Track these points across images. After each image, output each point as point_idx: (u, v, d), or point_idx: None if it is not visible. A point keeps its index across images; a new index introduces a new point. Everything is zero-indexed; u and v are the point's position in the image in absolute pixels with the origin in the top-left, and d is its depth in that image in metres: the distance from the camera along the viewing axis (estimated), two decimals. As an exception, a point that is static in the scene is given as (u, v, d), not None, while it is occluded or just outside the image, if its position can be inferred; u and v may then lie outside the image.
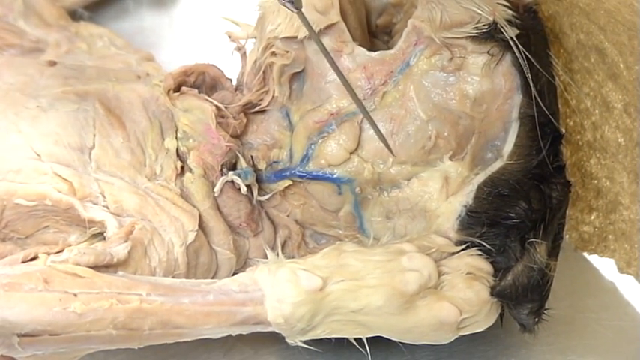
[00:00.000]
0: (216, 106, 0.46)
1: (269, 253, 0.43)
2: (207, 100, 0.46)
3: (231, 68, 0.49)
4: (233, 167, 0.46)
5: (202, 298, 0.39)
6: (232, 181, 0.45)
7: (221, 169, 0.45)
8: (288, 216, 0.47)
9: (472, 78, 0.43)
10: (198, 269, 0.44)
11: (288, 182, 0.46)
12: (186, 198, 0.44)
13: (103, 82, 0.46)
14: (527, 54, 0.42)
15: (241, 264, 0.47)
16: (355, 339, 0.41)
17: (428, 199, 0.44)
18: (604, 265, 0.52)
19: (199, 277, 0.44)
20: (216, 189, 0.45)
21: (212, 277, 0.45)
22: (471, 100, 0.44)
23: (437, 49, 0.44)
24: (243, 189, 0.45)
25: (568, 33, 0.47)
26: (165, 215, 0.43)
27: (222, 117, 0.46)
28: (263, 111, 0.48)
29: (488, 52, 0.43)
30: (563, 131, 0.46)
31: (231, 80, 0.49)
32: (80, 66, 0.48)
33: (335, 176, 0.45)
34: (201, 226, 0.44)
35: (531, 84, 0.43)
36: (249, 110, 0.48)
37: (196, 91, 0.47)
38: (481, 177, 0.43)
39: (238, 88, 0.48)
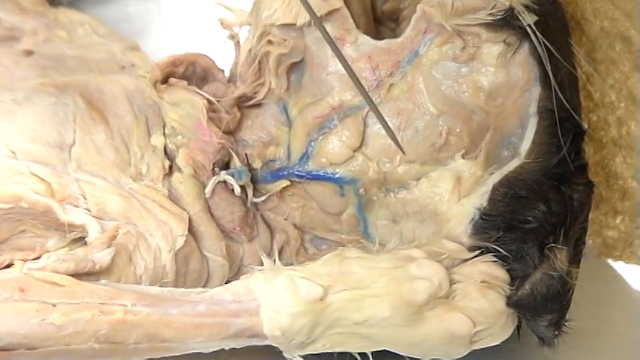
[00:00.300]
0: (208, 100, 0.46)
1: (265, 259, 0.42)
2: (197, 92, 0.46)
3: (224, 58, 0.49)
4: (226, 166, 0.46)
5: (192, 309, 0.39)
6: (225, 182, 0.45)
7: (213, 169, 0.45)
8: (285, 219, 0.47)
9: (486, 69, 0.43)
10: (188, 277, 0.44)
11: (285, 182, 0.46)
12: (174, 200, 0.44)
13: (84, 74, 0.46)
14: (547, 43, 0.42)
15: (235, 271, 0.46)
16: (359, 353, 0.41)
17: (438, 201, 0.44)
18: (630, 273, 0.53)
19: (189, 286, 0.44)
20: (208, 190, 0.45)
21: (203, 286, 0.45)
22: (485, 93, 0.43)
23: (448, 37, 0.43)
24: (237, 190, 0.45)
25: (591, 20, 0.47)
26: (152, 219, 0.43)
27: (214, 111, 0.46)
28: (258, 105, 0.48)
29: (504, 41, 0.43)
30: (586, 127, 0.45)
31: (223, 71, 0.49)
32: (59, 56, 0.48)
33: (337, 176, 0.45)
34: (191, 230, 0.44)
35: (551, 75, 0.42)
36: (244, 104, 0.48)
37: (186, 83, 0.47)
38: (496, 177, 0.43)
39: (231, 79, 0.48)
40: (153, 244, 0.43)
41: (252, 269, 0.44)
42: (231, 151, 0.46)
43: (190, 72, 0.48)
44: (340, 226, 0.46)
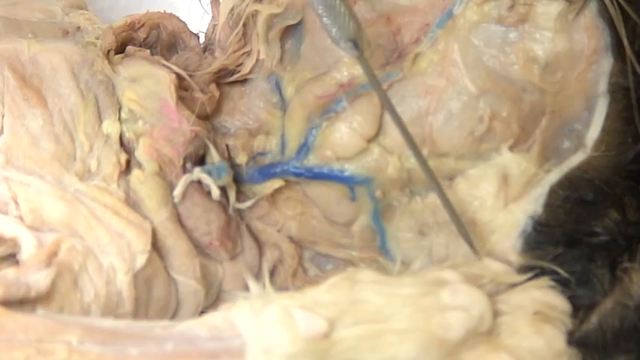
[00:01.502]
0: (177, 74, 0.46)
1: (252, 283, 0.42)
2: (163, 65, 0.46)
3: (199, 20, 0.49)
4: (201, 161, 0.46)
5: (157, 348, 0.39)
6: (199, 182, 0.46)
7: (183, 164, 0.46)
8: (279, 231, 0.48)
9: (542, 34, 0.43)
10: (152, 307, 0.45)
11: (279, 183, 0.47)
12: (133, 205, 0.45)
13: (14, 40, 0.46)
14: (620, 0, 0.42)
15: (212, 299, 0.47)
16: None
17: (479, 207, 0.44)
18: None
19: (153, 317, 0.44)
20: (177, 192, 0.45)
21: (171, 318, 0.45)
22: (540, 65, 0.43)
23: (492, -9, 0.43)
24: (215, 192, 0.45)
25: (679, -30, 0.46)
26: (104, 230, 0.43)
27: (186, 89, 0.47)
28: (243, 81, 0.48)
29: (565, -3, 0.43)
30: (673, 110, 0.44)
31: (198, 37, 0.49)
32: (-20, 17, 0.47)
33: (346, 174, 0.45)
34: (155, 245, 0.44)
35: (626, 43, 0.42)
36: (224, 80, 0.48)
37: (148, 52, 0.47)
38: (555, 175, 0.43)
39: (208, 48, 0.49)
40: (105, 263, 0.43)
41: (234, 296, 0.45)
42: (207, 142, 0.46)
43: (154, 38, 0.49)
44: (350, 240, 0.47)
